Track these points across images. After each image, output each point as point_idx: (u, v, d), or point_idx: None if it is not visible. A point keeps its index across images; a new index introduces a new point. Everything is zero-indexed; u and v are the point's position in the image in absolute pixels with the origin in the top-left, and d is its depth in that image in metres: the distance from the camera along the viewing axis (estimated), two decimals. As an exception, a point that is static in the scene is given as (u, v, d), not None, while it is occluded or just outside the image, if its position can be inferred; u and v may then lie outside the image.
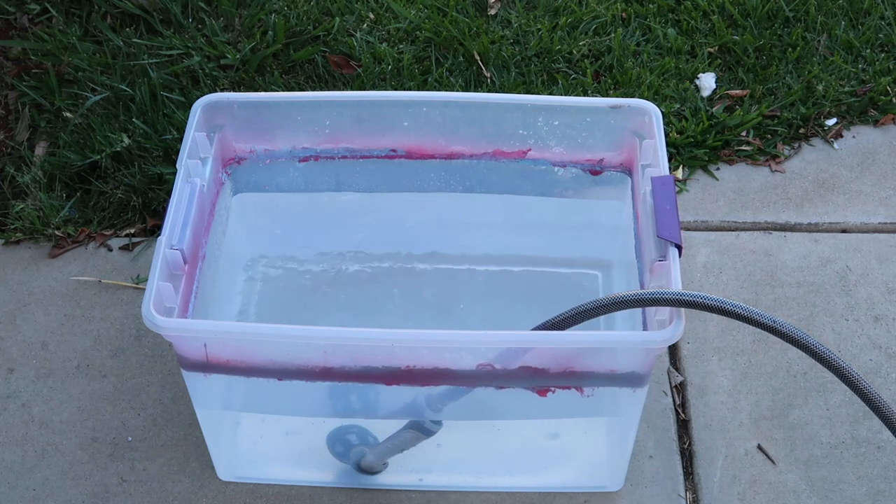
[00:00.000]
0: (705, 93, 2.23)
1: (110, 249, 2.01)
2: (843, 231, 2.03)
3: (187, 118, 1.66)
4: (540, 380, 1.46)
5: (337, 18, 2.34)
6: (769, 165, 2.13)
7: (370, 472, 1.67)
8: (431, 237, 1.84)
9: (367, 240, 1.84)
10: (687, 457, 1.74)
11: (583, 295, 1.80)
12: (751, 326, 1.86)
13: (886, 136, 2.19)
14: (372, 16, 2.37)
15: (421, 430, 1.56)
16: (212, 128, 1.64)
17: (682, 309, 1.38)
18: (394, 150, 1.70)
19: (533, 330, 1.43)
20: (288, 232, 1.84)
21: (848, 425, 1.76)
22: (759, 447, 1.74)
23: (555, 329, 1.41)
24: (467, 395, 1.49)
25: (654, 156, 1.57)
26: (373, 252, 1.85)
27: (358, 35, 2.32)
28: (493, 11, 2.37)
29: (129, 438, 1.76)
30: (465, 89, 2.21)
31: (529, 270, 1.84)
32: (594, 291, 1.81)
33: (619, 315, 1.74)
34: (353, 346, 1.42)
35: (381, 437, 1.61)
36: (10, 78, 2.30)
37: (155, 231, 2.03)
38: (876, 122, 2.21)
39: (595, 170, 1.68)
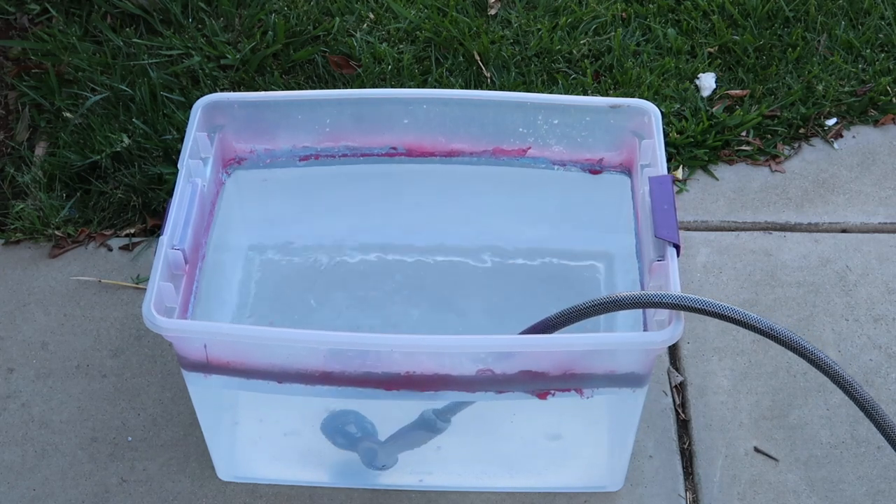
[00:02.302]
0: (705, 93, 2.23)
1: (110, 249, 2.01)
2: (843, 231, 2.03)
3: (187, 118, 1.66)
4: (540, 383, 1.46)
5: (337, 18, 2.34)
6: (769, 165, 2.13)
7: (379, 468, 1.66)
8: (433, 229, 1.84)
9: (368, 232, 1.84)
10: (687, 457, 1.74)
11: (585, 286, 1.80)
12: (751, 326, 1.87)
13: (886, 136, 2.19)
14: (372, 16, 2.37)
15: (431, 428, 1.56)
16: (212, 128, 1.64)
17: (682, 310, 1.38)
18: (394, 148, 1.70)
19: (526, 331, 1.43)
20: (288, 224, 1.84)
21: (848, 425, 1.76)
22: (756, 449, 1.74)
23: (550, 329, 1.41)
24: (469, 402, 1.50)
25: (653, 156, 1.57)
26: (374, 244, 1.85)
27: (358, 35, 2.32)
28: (493, 11, 2.38)
29: (129, 438, 1.77)
30: (465, 89, 2.21)
31: (531, 262, 1.84)
32: (596, 282, 1.81)
33: (620, 315, 1.74)
34: (351, 350, 1.42)
35: (377, 422, 1.60)
36: (10, 78, 2.31)
37: (155, 231, 2.03)
38: (876, 122, 2.21)
39: (595, 169, 1.68)
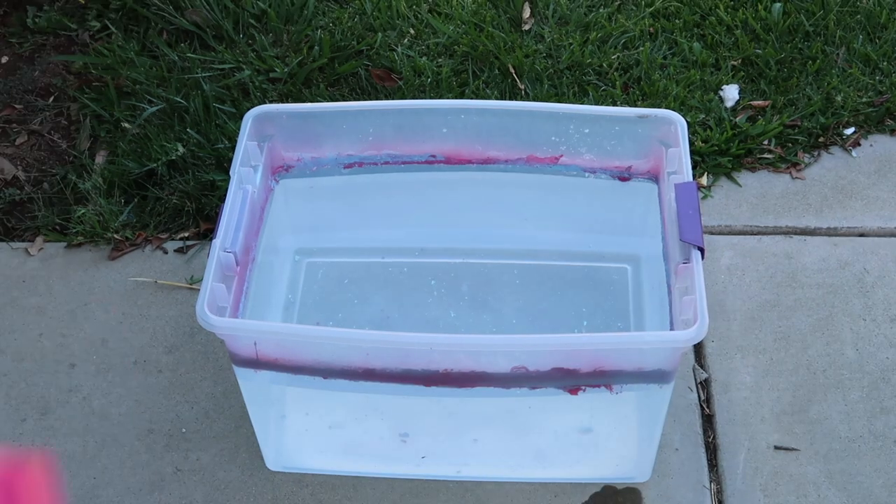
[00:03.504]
0: (729, 103, 2.21)
1: (166, 252, 2.02)
2: (861, 235, 2.01)
3: (239, 128, 1.66)
4: (571, 380, 1.46)
5: (379, 34, 2.34)
6: (790, 172, 2.12)
7: None
8: (469, 234, 1.83)
9: (408, 236, 1.84)
10: (711, 450, 1.73)
11: (613, 287, 1.80)
12: (772, 325, 1.86)
13: (903, 144, 2.18)
14: (412, 31, 2.37)
15: None
16: (262, 137, 1.64)
17: (706, 309, 1.37)
18: (433, 156, 1.70)
19: None
20: (333, 229, 1.84)
21: (865, 420, 1.75)
22: (776, 447, 1.72)
23: None
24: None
25: (679, 163, 1.56)
26: (413, 247, 1.85)
27: (399, 49, 2.32)
28: (527, 27, 2.37)
29: (183, 430, 1.77)
30: (501, 100, 2.21)
31: (562, 265, 1.83)
32: (624, 284, 1.80)
33: (648, 315, 1.74)
34: (392, 349, 1.42)
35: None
36: (72, 91, 2.32)
37: (208, 235, 2.04)
38: (892, 132, 2.19)
39: (623, 176, 1.68)
